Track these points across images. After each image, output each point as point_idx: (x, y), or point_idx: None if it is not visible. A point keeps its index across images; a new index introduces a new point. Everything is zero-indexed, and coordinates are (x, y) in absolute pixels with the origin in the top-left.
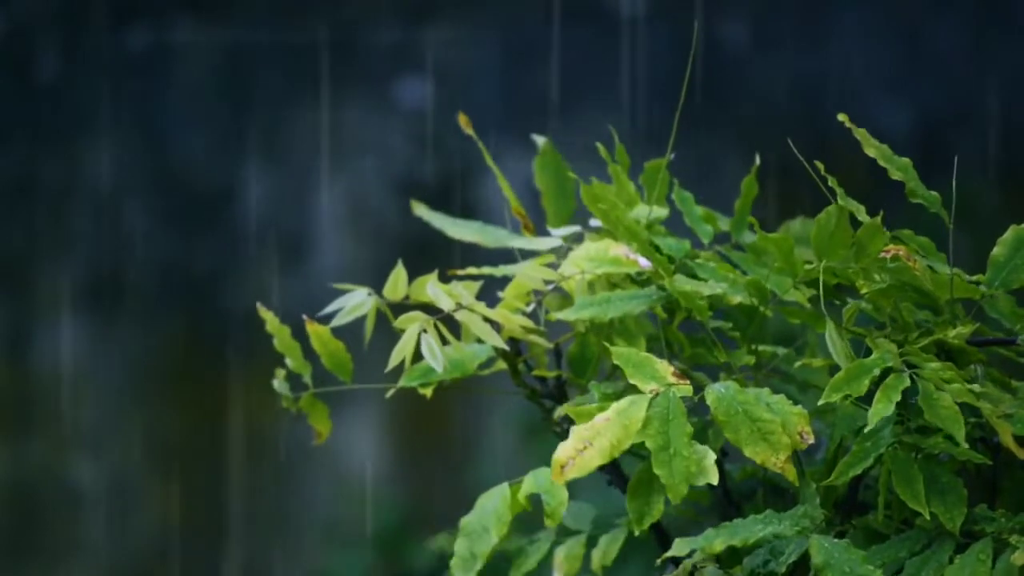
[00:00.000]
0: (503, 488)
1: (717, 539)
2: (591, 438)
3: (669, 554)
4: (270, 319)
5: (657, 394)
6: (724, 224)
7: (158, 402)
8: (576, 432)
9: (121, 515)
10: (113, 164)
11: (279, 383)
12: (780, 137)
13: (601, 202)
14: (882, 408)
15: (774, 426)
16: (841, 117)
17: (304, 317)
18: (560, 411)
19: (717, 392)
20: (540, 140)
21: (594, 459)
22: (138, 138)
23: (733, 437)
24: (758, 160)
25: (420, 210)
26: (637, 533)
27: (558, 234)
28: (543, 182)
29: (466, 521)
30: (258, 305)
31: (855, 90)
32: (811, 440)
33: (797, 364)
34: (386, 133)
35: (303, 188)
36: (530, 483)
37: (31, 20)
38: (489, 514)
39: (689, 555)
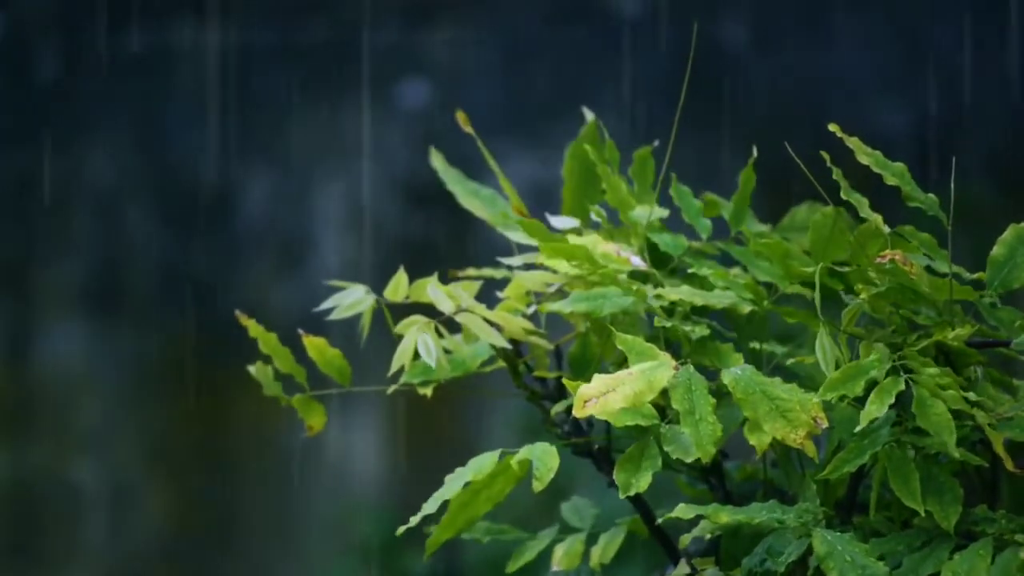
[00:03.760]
0: (494, 452)
1: (723, 511)
2: (615, 385)
3: (673, 515)
4: (252, 326)
5: (679, 367)
6: (727, 211)
7: (158, 404)
8: (600, 378)
9: (120, 517)
10: (113, 165)
11: (258, 370)
12: (780, 138)
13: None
14: (874, 410)
15: (792, 403)
16: (832, 127)
17: (300, 332)
18: (557, 408)
19: (734, 374)
20: (589, 115)
21: (617, 402)
22: (138, 139)
23: (751, 414)
24: (755, 153)
25: (437, 162)
26: (623, 496)
27: (557, 225)
28: (569, 169)
29: (449, 476)
30: (237, 313)
31: (855, 91)
32: (825, 424)
33: (789, 361)
34: (387, 134)
35: (304, 190)
36: (524, 452)
37: (31, 21)
38: (471, 466)
39: (691, 528)
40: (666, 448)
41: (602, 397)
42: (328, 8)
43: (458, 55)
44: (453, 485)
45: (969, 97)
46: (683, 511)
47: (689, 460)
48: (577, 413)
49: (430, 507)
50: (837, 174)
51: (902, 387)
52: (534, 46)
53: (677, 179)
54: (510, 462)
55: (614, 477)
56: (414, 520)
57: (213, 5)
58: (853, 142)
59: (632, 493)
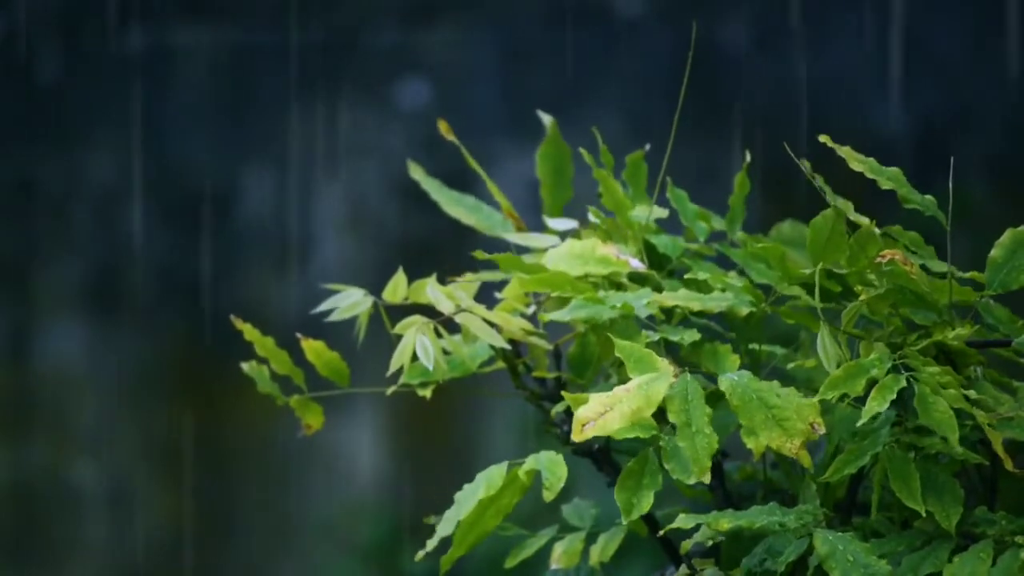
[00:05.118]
0: (501, 464)
1: (723, 518)
2: (612, 404)
3: (673, 526)
4: (247, 329)
5: (677, 376)
6: (718, 223)
7: (158, 404)
8: (597, 398)
9: (120, 517)
10: (113, 166)
11: (251, 368)
12: (779, 139)
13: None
14: (875, 406)
15: (788, 412)
16: (823, 138)
17: (298, 336)
18: (557, 409)
19: (731, 380)
20: (547, 119)
21: (615, 421)
22: (138, 140)
23: (747, 422)
24: (748, 157)
25: (417, 174)
26: (625, 522)
27: (556, 227)
28: (543, 171)
29: (459, 493)
30: (232, 317)
31: (854, 92)
32: (822, 431)
33: (791, 365)
34: (386, 135)
35: (303, 190)
36: (531, 461)
37: (31, 22)
38: (480, 482)
39: (692, 535)
40: (667, 465)
41: (600, 418)
42: (328, 8)
43: (458, 55)
44: (466, 504)
45: (968, 98)
46: (684, 521)
47: (690, 481)
48: (576, 438)
49: (445, 529)
50: (821, 181)
51: (903, 384)
52: (534, 46)
53: (673, 181)
54: (518, 473)
55: (615, 497)
56: (431, 544)
57: (213, 5)
58: (845, 151)
59: (635, 516)
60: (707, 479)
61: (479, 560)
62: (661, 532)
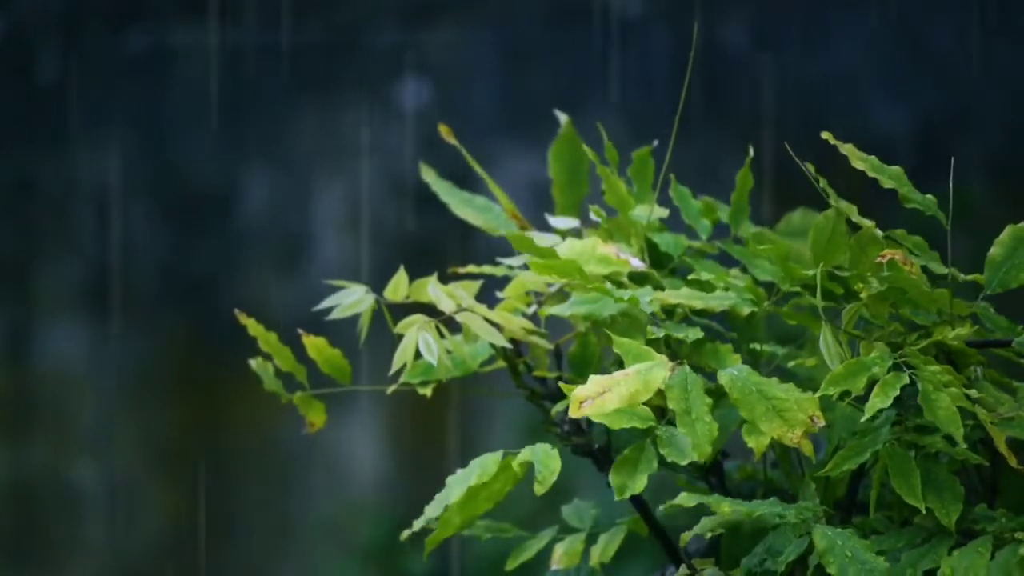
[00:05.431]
0: (496, 453)
1: (724, 502)
2: (611, 385)
3: (675, 503)
4: (251, 324)
5: (675, 367)
6: (724, 214)
7: (158, 404)
8: (596, 379)
9: (120, 517)
10: (113, 166)
11: (258, 365)
12: (780, 138)
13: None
14: (878, 402)
15: (788, 403)
16: (825, 135)
17: (299, 332)
18: (558, 408)
19: (730, 374)
20: (563, 118)
21: (612, 402)
22: (138, 140)
23: (748, 415)
24: (752, 152)
25: (428, 176)
26: (617, 499)
27: (558, 225)
28: (556, 169)
29: (452, 477)
30: (236, 312)
31: (855, 91)
32: (822, 423)
33: (792, 363)
34: (386, 135)
35: (304, 190)
36: (526, 453)
37: (31, 22)
38: (474, 468)
39: (691, 526)
40: (662, 451)
41: (598, 398)
42: (328, 8)
43: (458, 55)
44: (457, 488)
45: (969, 99)
46: (685, 499)
47: (684, 463)
48: (573, 414)
49: (433, 510)
50: (824, 183)
51: (906, 381)
52: (534, 46)
53: (676, 180)
54: (511, 463)
55: (609, 479)
56: (418, 524)
57: (213, 5)
58: (847, 148)
59: (627, 496)
60: (709, 453)
61: (480, 561)
62: (660, 508)
